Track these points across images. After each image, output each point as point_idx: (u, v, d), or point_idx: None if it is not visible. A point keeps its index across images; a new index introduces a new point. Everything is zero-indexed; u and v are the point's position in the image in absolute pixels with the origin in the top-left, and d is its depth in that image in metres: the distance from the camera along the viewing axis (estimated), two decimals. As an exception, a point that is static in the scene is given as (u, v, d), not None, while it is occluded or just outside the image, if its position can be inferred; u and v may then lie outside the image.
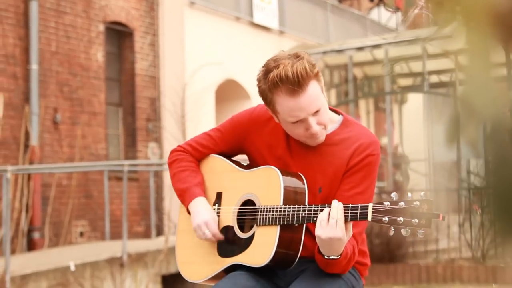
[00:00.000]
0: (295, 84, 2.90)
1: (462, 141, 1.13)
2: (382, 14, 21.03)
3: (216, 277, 3.18)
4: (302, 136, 3.04)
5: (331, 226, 2.82)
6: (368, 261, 3.22)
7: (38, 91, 11.63)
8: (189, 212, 3.25)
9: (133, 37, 13.81)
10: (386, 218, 2.78)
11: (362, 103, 19.43)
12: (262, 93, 3.01)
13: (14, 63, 11.52)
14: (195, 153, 3.32)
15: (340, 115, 3.19)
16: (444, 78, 15.26)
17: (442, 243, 11.27)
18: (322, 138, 3.06)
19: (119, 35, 13.82)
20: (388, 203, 2.79)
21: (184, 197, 3.24)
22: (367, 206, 2.81)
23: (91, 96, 12.72)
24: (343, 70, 17.25)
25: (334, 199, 3.02)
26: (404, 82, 17.87)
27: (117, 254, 9.95)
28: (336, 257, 2.89)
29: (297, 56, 2.96)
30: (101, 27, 13.07)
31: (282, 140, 3.14)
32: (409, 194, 2.80)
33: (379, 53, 15.58)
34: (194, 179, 3.26)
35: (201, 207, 3.19)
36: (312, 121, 2.97)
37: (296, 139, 3.09)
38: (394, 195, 2.82)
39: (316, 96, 2.96)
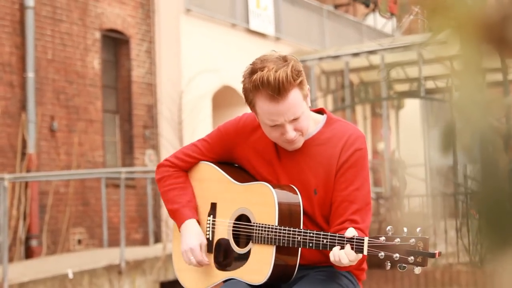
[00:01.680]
0: (276, 91, 2.90)
1: (458, 147, 1.14)
2: (377, 20, 21.05)
3: (215, 287, 3.21)
4: (278, 140, 3.05)
5: (337, 264, 2.86)
6: (365, 265, 3.23)
7: (34, 99, 11.63)
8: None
9: (129, 45, 13.81)
10: (382, 254, 2.77)
11: (359, 109, 19.45)
12: (244, 91, 3.03)
13: (10, 71, 11.52)
14: (183, 164, 3.32)
15: (324, 114, 3.18)
16: (440, 83, 15.28)
17: (440, 248, 11.26)
18: (299, 144, 3.06)
19: (115, 43, 13.83)
20: (383, 238, 2.78)
21: (175, 218, 3.29)
22: (363, 239, 2.81)
23: (87, 104, 12.72)
24: (340, 76, 17.26)
25: (331, 200, 3.03)
26: (400, 87, 17.87)
27: (115, 261, 9.94)
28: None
29: (284, 60, 2.95)
30: (97, 35, 13.08)
31: (270, 146, 3.14)
32: (405, 229, 2.78)
33: (375, 59, 15.60)
34: (183, 198, 3.28)
35: (189, 232, 3.22)
36: (289, 127, 2.97)
37: (275, 142, 3.10)
38: (389, 229, 2.80)
39: (296, 104, 2.95)
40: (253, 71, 2.98)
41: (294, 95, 2.94)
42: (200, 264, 3.19)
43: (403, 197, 12.69)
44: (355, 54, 15.17)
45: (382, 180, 16.40)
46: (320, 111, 3.22)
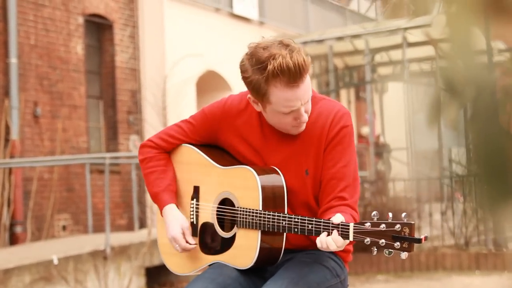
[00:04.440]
0: (296, 76, 2.86)
1: (443, 125, 1.13)
2: (361, 4, 21.04)
3: (201, 270, 3.19)
4: (288, 125, 3.01)
5: (325, 250, 2.83)
6: (350, 247, 3.22)
7: (17, 85, 11.56)
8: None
9: (112, 30, 13.74)
10: (368, 240, 2.75)
11: (343, 93, 19.46)
12: (255, 84, 2.91)
13: (-7, 57, 11.44)
14: (165, 145, 3.30)
15: None
16: (425, 66, 15.30)
17: (425, 231, 11.31)
18: (304, 125, 3.04)
19: (98, 28, 13.76)
20: (369, 224, 2.76)
21: (156, 202, 3.27)
22: (349, 225, 2.78)
23: (71, 89, 12.66)
24: (324, 60, 17.26)
25: (321, 178, 3.02)
26: (384, 71, 17.90)
27: (100, 247, 9.92)
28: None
29: (287, 45, 2.89)
30: (80, 20, 13.00)
31: (256, 130, 3.11)
32: (390, 215, 2.76)
33: (359, 43, 15.59)
34: (163, 182, 3.25)
35: (169, 219, 3.21)
36: (302, 110, 2.96)
37: (277, 128, 3.06)
38: (375, 214, 2.78)
39: (309, 85, 2.96)
40: (261, 60, 2.88)
41: (308, 77, 2.95)
42: (185, 250, 3.18)
43: (388, 181, 12.73)
44: (339, 38, 15.16)
45: (367, 164, 16.42)
46: None
